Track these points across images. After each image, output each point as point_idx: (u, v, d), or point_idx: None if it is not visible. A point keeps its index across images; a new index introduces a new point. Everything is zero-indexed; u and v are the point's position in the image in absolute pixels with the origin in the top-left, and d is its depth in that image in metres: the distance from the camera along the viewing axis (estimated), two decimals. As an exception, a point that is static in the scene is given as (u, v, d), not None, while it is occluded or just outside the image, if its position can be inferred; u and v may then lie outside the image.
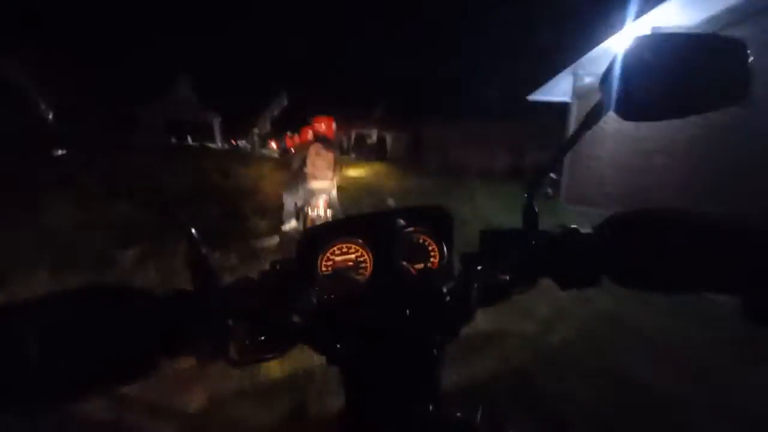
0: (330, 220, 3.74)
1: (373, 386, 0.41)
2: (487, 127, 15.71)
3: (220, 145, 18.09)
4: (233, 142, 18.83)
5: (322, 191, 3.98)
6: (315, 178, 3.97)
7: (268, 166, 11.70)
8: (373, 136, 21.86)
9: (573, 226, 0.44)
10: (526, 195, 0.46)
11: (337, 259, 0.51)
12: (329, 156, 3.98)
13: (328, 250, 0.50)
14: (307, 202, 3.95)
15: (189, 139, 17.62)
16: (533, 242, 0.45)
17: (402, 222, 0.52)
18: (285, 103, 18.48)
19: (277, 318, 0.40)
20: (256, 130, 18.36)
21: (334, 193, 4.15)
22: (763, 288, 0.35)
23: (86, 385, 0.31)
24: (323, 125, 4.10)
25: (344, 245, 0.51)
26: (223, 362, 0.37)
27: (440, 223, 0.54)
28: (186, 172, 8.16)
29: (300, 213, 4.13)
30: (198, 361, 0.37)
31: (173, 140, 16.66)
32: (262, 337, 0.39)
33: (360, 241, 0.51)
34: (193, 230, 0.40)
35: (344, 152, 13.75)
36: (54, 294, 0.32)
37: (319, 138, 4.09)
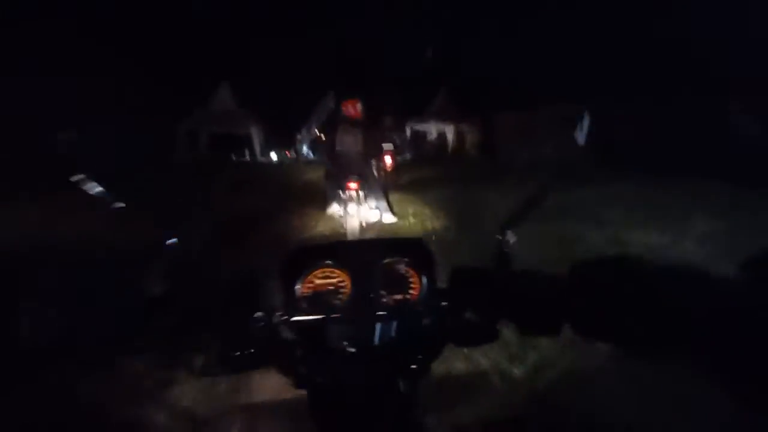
0: (363, 201, 4.06)
1: (338, 419, 0.39)
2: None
3: (260, 157, 16.43)
4: (287, 153, 17.11)
5: (351, 165, 4.15)
6: (343, 154, 4.26)
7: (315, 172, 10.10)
8: (433, 131, 18.59)
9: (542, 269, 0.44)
10: (499, 237, 0.48)
11: (318, 281, 0.52)
12: (355, 132, 4.29)
13: (310, 272, 0.51)
14: (341, 186, 4.06)
15: (231, 153, 16.23)
16: (502, 285, 0.46)
17: (383, 252, 0.52)
18: (332, 105, 16.25)
19: (253, 331, 0.40)
20: (299, 137, 16.45)
21: (368, 172, 4.36)
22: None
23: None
24: (350, 107, 4.41)
25: (326, 269, 0.52)
26: (196, 372, 0.40)
27: (422, 256, 0.53)
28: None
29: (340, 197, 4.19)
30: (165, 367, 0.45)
31: (214, 155, 15.36)
32: (235, 350, 0.39)
33: (341, 266, 0.52)
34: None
35: (400, 153, 10.98)
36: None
37: (343, 118, 4.38)
